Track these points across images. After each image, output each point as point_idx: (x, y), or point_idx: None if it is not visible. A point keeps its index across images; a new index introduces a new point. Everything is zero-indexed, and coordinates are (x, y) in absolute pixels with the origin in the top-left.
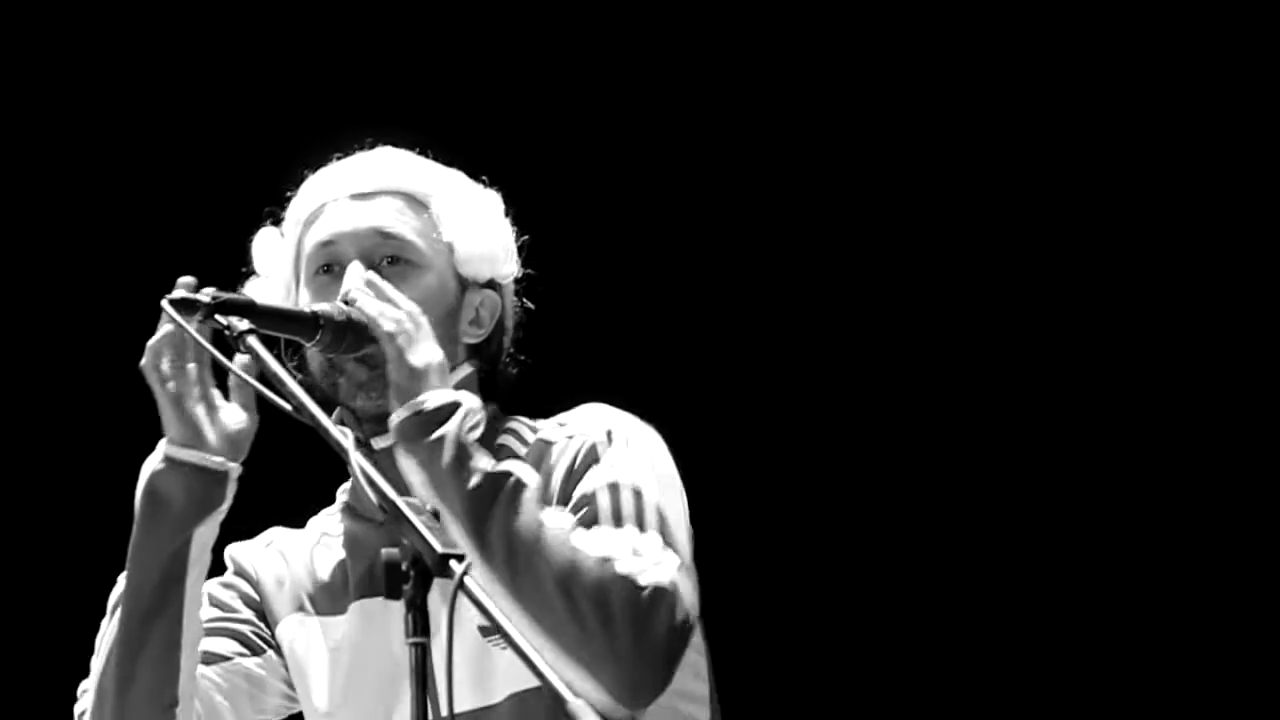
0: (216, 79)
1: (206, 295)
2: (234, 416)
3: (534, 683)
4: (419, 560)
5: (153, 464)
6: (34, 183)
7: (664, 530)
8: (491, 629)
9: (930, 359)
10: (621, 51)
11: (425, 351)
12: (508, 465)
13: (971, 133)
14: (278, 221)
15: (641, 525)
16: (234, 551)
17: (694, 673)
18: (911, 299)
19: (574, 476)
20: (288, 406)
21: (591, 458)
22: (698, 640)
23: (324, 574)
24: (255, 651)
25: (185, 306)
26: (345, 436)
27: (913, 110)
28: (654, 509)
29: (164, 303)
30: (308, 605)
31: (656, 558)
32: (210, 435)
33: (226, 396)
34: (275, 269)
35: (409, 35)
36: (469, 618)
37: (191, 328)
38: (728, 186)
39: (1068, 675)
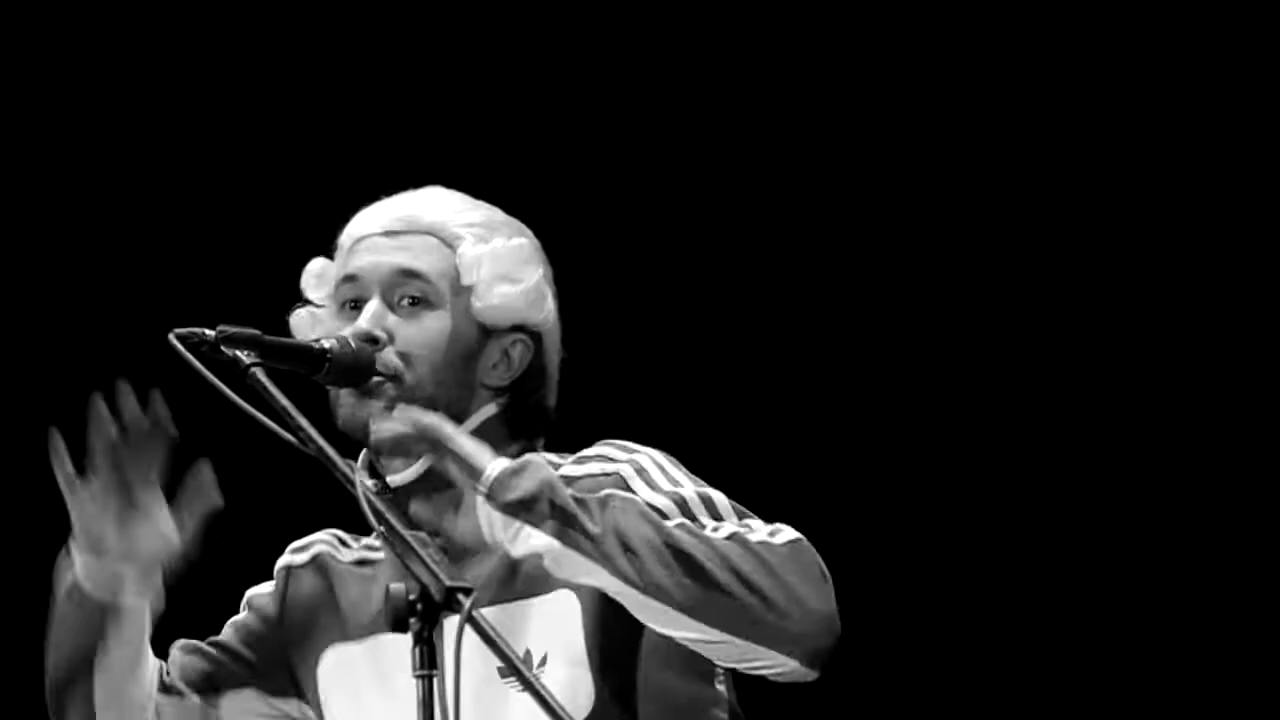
0: (267, 122)
1: (213, 330)
2: (155, 538)
3: None
4: (426, 594)
5: (63, 561)
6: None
7: (746, 518)
8: (509, 670)
9: (942, 362)
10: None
11: (460, 435)
12: (603, 494)
13: (981, 143)
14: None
15: (731, 518)
16: (254, 594)
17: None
18: (928, 306)
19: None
20: (294, 440)
21: (624, 487)
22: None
23: (363, 600)
24: (218, 689)
25: (191, 340)
26: (352, 470)
27: (919, 119)
28: (728, 506)
29: (170, 336)
30: (346, 632)
31: (769, 526)
32: (114, 561)
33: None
34: (322, 298)
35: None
36: (483, 658)
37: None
38: (748, 207)
39: (1079, 675)
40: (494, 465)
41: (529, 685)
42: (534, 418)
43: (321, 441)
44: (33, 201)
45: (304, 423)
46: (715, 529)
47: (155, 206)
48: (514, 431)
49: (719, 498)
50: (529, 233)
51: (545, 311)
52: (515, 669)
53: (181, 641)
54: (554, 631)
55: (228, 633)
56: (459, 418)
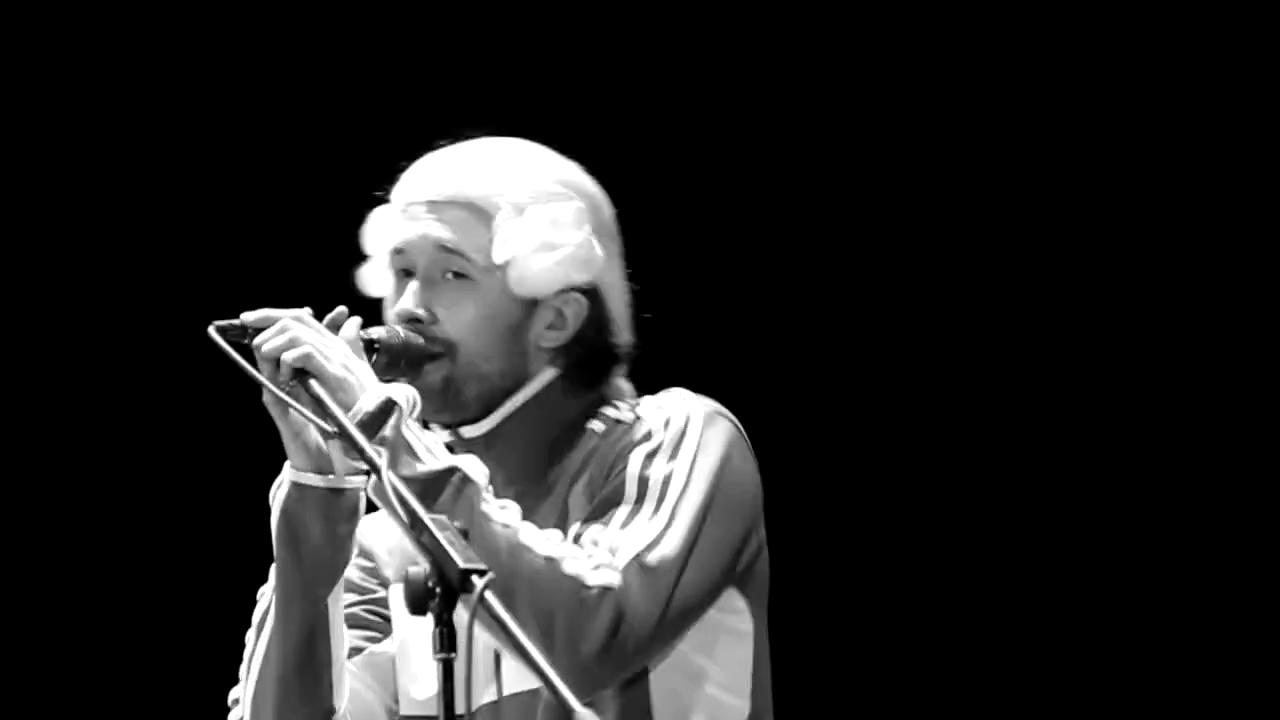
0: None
1: (251, 318)
2: None
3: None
4: (443, 576)
5: (282, 491)
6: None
7: (672, 522)
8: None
9: (950, 359)
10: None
11: (338, 357)
12: (456, 462)
13: (981, 139)
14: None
15: (657, 509)
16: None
17: (740, 663)
18: (935, 303)
19: (619, 459)
20: (327, 426)
21: (642, 441)
22: (748, 628)
23: None
24: (384, 633)
25: (231, 332)
26: (380, 456)
27: (926, 116)
28: (671, 503)
29: (210, 330)
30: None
31: (611, 556)
32: (335, 456)
33: None
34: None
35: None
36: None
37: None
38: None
39: (1076, 675)
40: (361, 405)
41: (526, 657)
42: (601, 364)
43: (353, 428)
44: (64, 191)
45: (336, 409)
46: (556, 535)
47: (192, 198)
48: (579, 385)
49: (673, 488)
50: (582, 183)
51: (594, 266)
52: (524, 652)
53: None
54: None
55: (355, 574)
56: (518, 385)
